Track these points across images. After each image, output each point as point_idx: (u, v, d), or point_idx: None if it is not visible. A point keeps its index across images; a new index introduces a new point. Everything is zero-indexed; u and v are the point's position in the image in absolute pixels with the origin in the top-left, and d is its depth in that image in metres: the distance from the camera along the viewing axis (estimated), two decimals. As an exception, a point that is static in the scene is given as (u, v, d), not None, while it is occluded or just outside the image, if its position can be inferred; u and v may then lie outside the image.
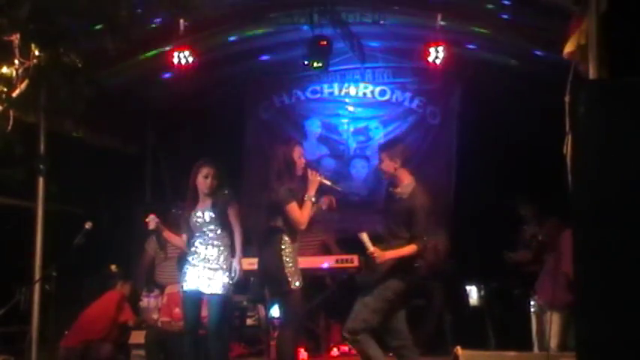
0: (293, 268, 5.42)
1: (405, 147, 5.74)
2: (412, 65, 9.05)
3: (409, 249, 5.32)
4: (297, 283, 5.42)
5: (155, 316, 7.26)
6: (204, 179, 5.77)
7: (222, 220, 5.75)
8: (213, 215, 5.72)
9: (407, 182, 5.44)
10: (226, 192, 5.80)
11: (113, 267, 7.61)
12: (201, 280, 5.66)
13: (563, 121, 3.62)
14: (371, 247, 5.30)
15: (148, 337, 6.96)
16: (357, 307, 5.35)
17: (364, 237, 5.34)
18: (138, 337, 7.11)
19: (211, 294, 5.65)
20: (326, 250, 7.69)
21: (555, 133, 3.89)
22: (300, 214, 5.43)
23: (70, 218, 6.94)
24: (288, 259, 5.41)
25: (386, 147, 5.75)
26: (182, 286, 5.77)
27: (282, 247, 5.44)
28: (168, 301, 7.07)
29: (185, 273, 5.74)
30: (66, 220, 6.87)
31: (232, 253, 5.79)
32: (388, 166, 5.45)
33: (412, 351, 5.43)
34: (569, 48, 4.64)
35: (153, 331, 7.02)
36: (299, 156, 5.55)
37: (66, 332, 7.11)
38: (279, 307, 5.96)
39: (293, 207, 5.42)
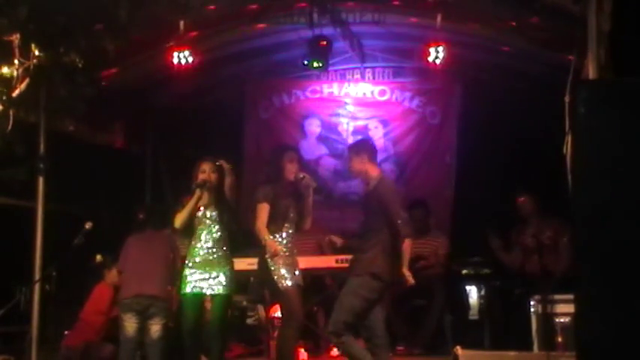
0: (280, 269, 5.42)
1: (370, 141, 5.82)
2: (412, 65, 9.02)
3: (407, 247, 5.35)
4: (288, 283, 5.42)
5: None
6: (202, 174, 5.78)
7: (225, 225, 5.77)
8: (216, 216, 5.74)
9: (375, 175, 5.49)
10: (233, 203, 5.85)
11: (98, 257, 7.15)
12: (203, 281, 5.67)
13: (564, 121, 3.62)
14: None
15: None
16: (336, 307, 5.34)
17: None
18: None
19: (213, 294, 5.66)
20: (320, 251, 7.65)
21: (555, 133, 3.88)
22: (263, 219, 5.47)
23: (70, 218, 6.93)
24: (272, 260, 5.42)
25: (351, 146, 5.88)
26: (183, 288, 5.77)
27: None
28: None
29: (186, 275, 5.75)
30: (66, 220, 6.86)
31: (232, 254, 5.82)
32: (356, 162, 5.50)
33: (385, 348, 5.42)
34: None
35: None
36: (290, 160, 5.58)
37: (67, 332, 7.08)
38: (279, 307, 5.97)
39: (262, 207, 5.49)
